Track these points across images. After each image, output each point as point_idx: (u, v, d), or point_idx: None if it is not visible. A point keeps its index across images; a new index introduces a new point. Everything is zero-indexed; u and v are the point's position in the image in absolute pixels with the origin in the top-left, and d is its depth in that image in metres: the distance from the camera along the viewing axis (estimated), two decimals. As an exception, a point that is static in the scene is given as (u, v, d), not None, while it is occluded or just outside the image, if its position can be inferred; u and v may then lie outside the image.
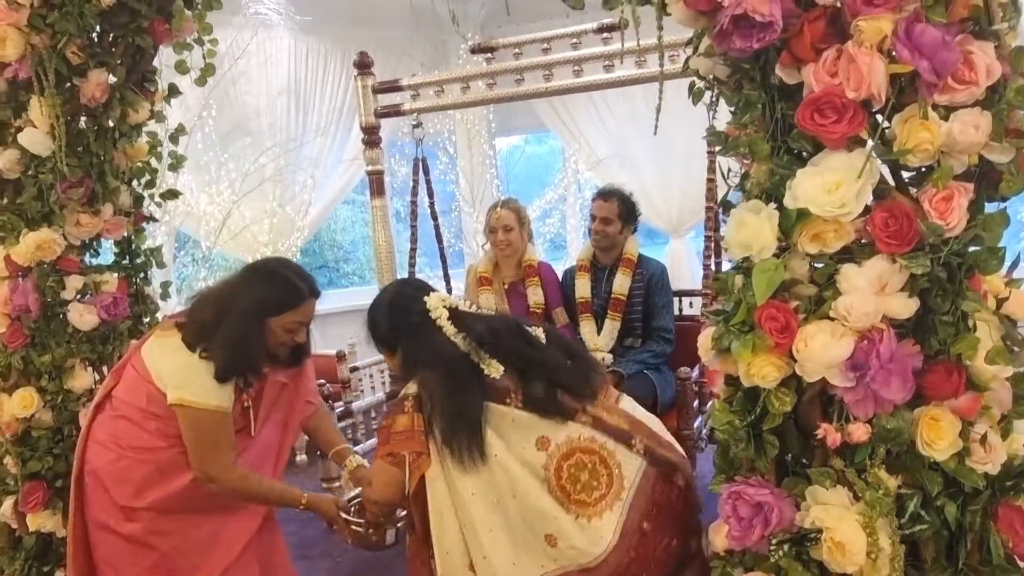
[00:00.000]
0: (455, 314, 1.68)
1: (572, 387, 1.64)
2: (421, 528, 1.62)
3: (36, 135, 2.12)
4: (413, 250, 3.28)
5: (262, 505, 1.99)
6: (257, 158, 4.17)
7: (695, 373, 2.66)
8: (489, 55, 3.02)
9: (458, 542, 1.56)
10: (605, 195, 2.99)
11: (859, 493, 1.13)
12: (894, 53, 1.04)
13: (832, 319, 1.12)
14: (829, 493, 1.15)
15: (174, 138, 2.47)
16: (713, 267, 2.75)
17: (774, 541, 1.19)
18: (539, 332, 1.76)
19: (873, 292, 1.10)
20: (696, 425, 2.64)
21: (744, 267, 1.21)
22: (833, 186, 1.10)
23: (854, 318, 1.10)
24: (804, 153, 1.16)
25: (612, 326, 2.91)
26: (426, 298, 1.70)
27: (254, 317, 1.85)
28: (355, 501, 1.99)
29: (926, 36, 1.01)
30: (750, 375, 1.18)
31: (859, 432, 1.11)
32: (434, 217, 3.37)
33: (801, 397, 1.17)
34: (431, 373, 1.61)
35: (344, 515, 1.94)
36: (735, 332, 1.19)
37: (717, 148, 1.29)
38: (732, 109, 1.33)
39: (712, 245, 2.72)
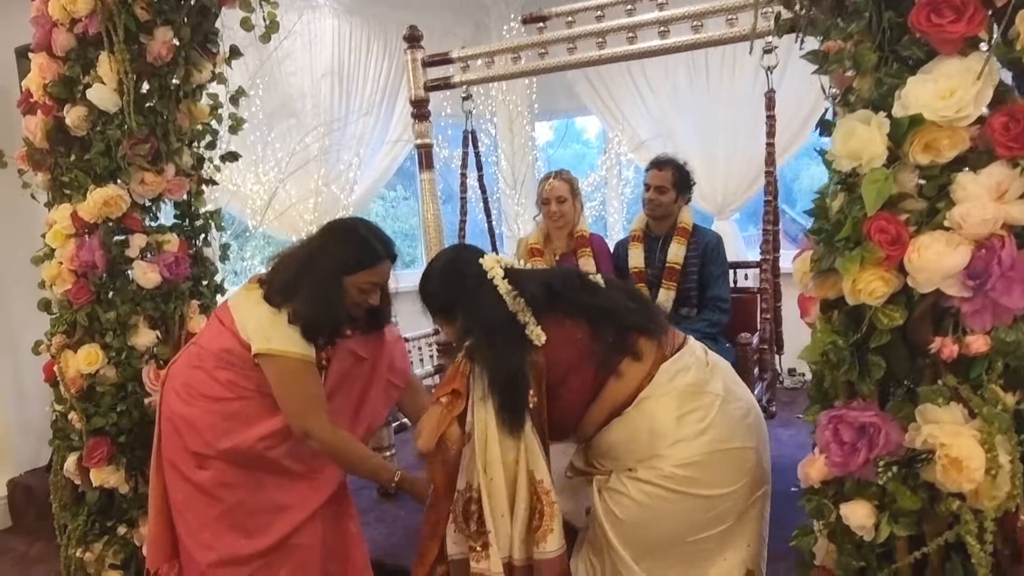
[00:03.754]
0: (510, 272, 1.66)
1: (642, 326, 1.61)
2: (443, 479, 1.58)
3: (104, 91, 2.14)
4: (463, 222, 3.27)
5: (352, 472, 1.95)
6: (303, 138, 4.19)
7: (755, 340, 2.62)
8: (541, 24, 3.01)
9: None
10: (659, 164, 2.95)
11: (975, 409, 1.09)
12: (1018, -54, 1.01)
13: (947, 229, 1.09)
14: (942, 411, 1.11)
15: (234, 100, 2.48)
16: (771, 236, 2.70)
17: (880, 464, 1.15)
18: (598, 279, 1.75)
19: (991, 199, 1.06)
20: (756, 392, 2.60)
21: (849, 182, 1.17)
22: (947, 92, 1.06)
23: (970, 226, 1.06)
24: (913, 61, 1.13)
25: (667, 295, 2.87)
26: (481, 260, 1.68)
27: (332, 274, 1.86)
28: None
29: (1055, -75, 0.98)
30: (856, 292, 1.14)
31: (978, 344, 1.07)
32: (483, 190, 3.35)
33: (911, 313, 1.13)
34: (482, 332, 1.60)
35: None
36: (840, 249, 1.16)
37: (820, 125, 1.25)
38: (820, 38, 1.29)
39: (772, 211, 2.67)
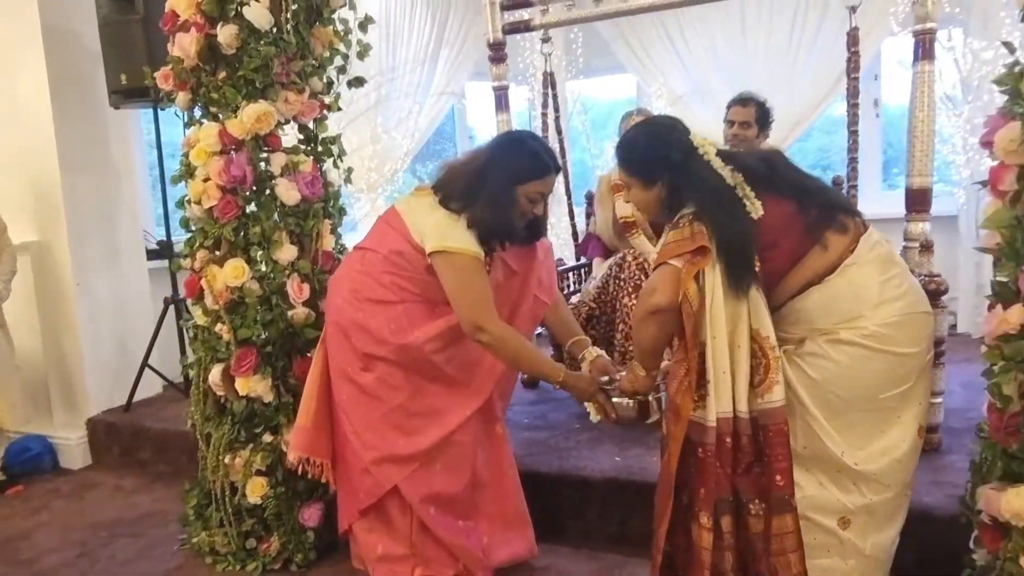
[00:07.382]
0: (720, 152, 1.77)
1: (843, 204, 1.77)
2: (688, 328, 1.67)
3: (259, 9, 2.23)
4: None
5: (519, 368, 2.01)
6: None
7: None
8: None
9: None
10: (743, 101, 3.14)
11: None
12: None
13: None
14: None
15: (363, 26, 2.57)
16: (854, 159, 2.90)
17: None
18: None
19: None
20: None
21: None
22: None
23: None
24: None
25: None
26: (691, 136, 1.77)
27: (506, 183, 1.97)
28: (608, 385, 2.03)
29: None
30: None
31: None
32: (559, 132, 3.49)
33: None
34: (708, 198, 1.69)
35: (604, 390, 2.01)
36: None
37: None
38: None
39: (854, 137, 2.86)
